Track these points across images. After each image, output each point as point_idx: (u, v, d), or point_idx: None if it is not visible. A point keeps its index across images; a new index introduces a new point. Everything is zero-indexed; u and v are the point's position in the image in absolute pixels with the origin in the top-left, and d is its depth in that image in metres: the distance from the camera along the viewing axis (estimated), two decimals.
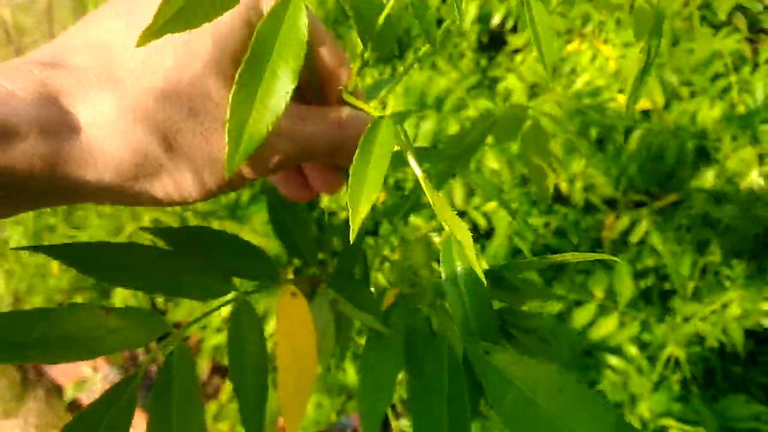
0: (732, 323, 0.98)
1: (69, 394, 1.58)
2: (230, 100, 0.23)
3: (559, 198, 1.35)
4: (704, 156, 1.21)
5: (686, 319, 1.02)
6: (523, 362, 0.23)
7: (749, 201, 1.05)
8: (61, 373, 1.69)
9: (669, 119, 1.23)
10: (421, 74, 1.21)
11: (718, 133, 1.21)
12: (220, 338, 1.17)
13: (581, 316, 0.94)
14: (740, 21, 1.27)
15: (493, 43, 1.57)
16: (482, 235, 1.27)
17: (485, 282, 0.26)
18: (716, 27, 1.24)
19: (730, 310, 0.99)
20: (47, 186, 0.22)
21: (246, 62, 0.23)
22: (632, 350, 0.95)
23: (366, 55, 0.29)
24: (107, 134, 0.23)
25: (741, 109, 1.14)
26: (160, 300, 1.29)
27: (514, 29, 1.44)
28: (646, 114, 1.26)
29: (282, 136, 0.27)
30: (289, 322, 0.34)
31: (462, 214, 1.21)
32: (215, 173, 0.26)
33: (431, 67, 1.37)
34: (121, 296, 1.18)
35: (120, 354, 1.33)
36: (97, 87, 0.23)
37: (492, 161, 1.17)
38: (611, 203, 1.39)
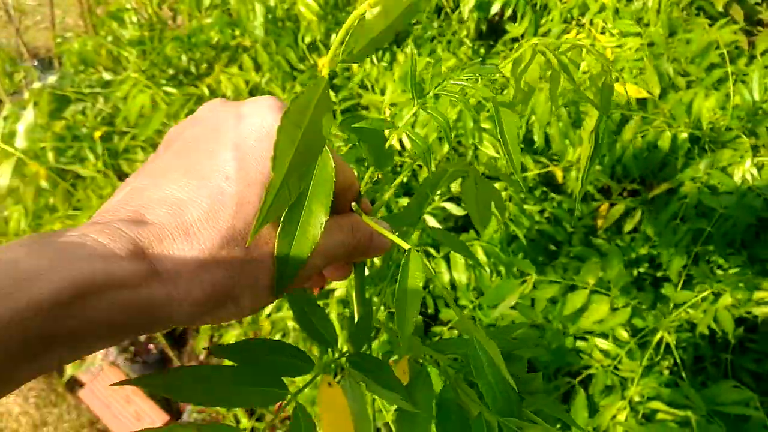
0: (723, 311, 1.00)
1: (68, 372, 1.60)
2: (277, 236, 0.29)
3: (555, 186, 1.37)
4: (699, 146, 1.23)
5: (678, 306, 1.04)
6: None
7: (743, 191, 1.07)
8: None
9: (664, 109, 1.24)
10: (420, 60, 1.22)
11: (713, 124, 1.22)
12: None
13: (574, 302, 0.96)
14: (737, 12, 1.28)
15: (492, 31, 1.58)
16: None
17: (513, 385, 0.32)
18: (713, 18, 1.25)
19: (721, 299, 1.01)
20: (138, 323, 0.27)
21: (289, 205, 0.28)
22: (623, 334, 0.97)
23: (376, 175, 0.37)
24: (187, 278, 0.28)
25: (737, 100, 1.15)
26: None
27: (513, 18, 1.45)
28: (641, 103, 1.27)
29: (312, 255, 0.31)
30: (331, 411, 0.39)
31: (459, 201, 1.23)
32: (266, 295, 0.31)
33: (430, 54, 1.38)
34: None
35: None
36: (175, 240, 0.28)
37: (489, 148, 1.18)
38: (606, 192, 1.41)
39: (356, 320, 0.41)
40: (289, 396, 0.34)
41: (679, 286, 1.04)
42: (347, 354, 0.39)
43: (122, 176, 1.24)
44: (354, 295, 0.41)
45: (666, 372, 1.01)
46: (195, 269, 0.28)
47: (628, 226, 1.26)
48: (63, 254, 0.25)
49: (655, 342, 0.97)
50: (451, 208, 1.19)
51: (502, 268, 1.17)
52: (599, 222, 1.29)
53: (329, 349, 0.41)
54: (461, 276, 1.14)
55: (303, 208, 0.30)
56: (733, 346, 1.07)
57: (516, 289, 0.98)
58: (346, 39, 0.28)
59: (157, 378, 0.31)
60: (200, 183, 0.29)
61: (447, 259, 1.16)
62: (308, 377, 0.37)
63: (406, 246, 0.33)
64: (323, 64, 0.28)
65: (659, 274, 1.20)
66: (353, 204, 0.36)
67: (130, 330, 0.27)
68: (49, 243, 0.25)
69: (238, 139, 0.31)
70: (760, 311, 1.03)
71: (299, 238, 0.30)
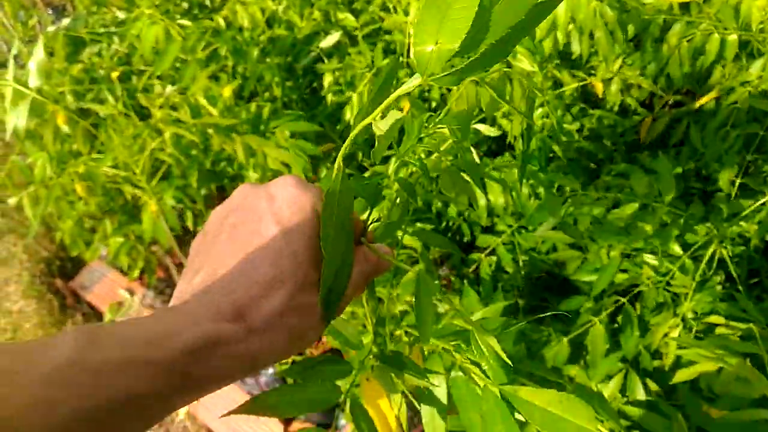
0: None
1: (107, 317, 1.61)
2: (321, 284, 0.37)
3: (594, 101, 1.30)
4: (746, 52, 1.14)
5: (731, 218, 0.98)
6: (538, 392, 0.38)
7: None
8: (98, 298, 1.72)
9: (710, 12, 1.15)
10: None
11: (764, 25, 1.13)
12: None
13: (622, 217, 0.91)
14: None
15: None
16: (511, 145, 1.23)
17: (507, 360, 0.43)
18: None
19: None
20: (244, 369, 0.34)
21: (322, 237, 0.37)
22: (676, 249, 0.92)
23: (370, 217, 0.46)
24: (273, 331, 0.35)
25: None
26: None
27: None
28: (684, 8, 1.18)
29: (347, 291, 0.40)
30: (372, 401, 0.49)
31: (491, 121, 1.17)
32: (323, 328, 0.39)
33: None
34: (148, 217, 1.17)
35: (154, 275, 1.33)
36: (259, 304, 0.35)
37: (524, 64, 1.11)
38: (648, 106, 1.33)
39: (374, 319, 0.51)
40: (343, 395, 0.44)
41: (732, 197, 0.98)
42: (373, 353, 0.49)
43: (143, 114, 1.21)
44: (365, 298, 0.51)
45: (718, 287, 0.97)
46: (277, 323, 0.35)
47: (673, 139, 1.19)
48: (188, 318, 0.32)
49: (708, 256, 0.92)
50: (484, 129, 1.13)
51: (540, 190, 1.12)
52: (642, 137, 1.23)
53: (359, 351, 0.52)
54: (497, 199, 1.09)
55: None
56: None
57: (558, 207, 0.93)
58: None
59: (260, 402, 0.40)
60: (262, 256, 0.36)
61: (482, 181, 1.11)
62: (350, 378, 0.47)
63: (409, 269, 0.43)
64: (338, 162, 0.37)
65: (708, 188, 1.14)
66: (362, 238, 0.44)
67: (238, 374, 0.34)
68: (170, 311, 0.33)
69: (276, 215, 0.38)
70: None
71: (337, 283, 0.38)
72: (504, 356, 0.41)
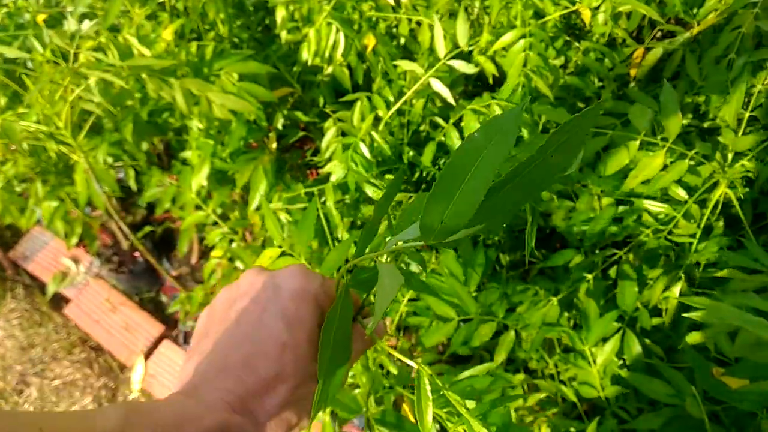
0: None
1: (50, 289, 1.47)
2: (322, 382, 0.38)
3: (578, 33, 1.17)
4: None
5: (737, 157, 0.87)
6: None
7: None
8: (40, 268, 1.58)
9: None
10: None
11: None
12: None
13: (619, 158, 0.79)
14: None
15: None
16: (490, 85, 1.11)
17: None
18: None
19: None
20: None
21: (321, 346, 0.37)
22: (680, 193, 0.82)
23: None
24: (275, 421, 0.39)
25: None
26: None
27: None
28: None
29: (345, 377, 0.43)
30: None
31: (467, 56, 1.04)
32: (318, 411, 0.39)
33: None
34: (81, 177, 1.03)
35: (96, 241, 1.19)
36: (262, 396, 0.38)
37: None
38: (638, 39, 1.21)
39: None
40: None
41: (740, 132, 0.87)
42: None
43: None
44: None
45: (724, 239, 0.87)
46: (278, 413, 0.39)
47: (667, 73, 1.07)
48: (205, 406, 0.35)
49: (714, 199, 0.81)
50: (460, 66, 1.00)
51: (525, 131, 1.00)
52: (633, 71, 1.10)
53: None
54: None
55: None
56: None
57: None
58: None
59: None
60: (265, 351, 0.39)
61: (459, 126, 0.99)
62: None
63: (412, 363, 0.41)
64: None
65: (706, 124, 1.03)
66: (358, 316, 0.45)
67: None
68: (188, 397, 0.36)
69: (282, 307, 0.40)
70: None
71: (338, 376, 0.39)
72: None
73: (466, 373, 0.68)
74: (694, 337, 0.68)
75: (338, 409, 0.54)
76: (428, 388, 0.40)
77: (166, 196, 1.08)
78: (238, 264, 1.01)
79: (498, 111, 0.95)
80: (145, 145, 1.22)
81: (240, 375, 0.37)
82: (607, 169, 0.81)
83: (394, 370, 0.80)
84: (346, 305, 0.38)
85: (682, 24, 1.19)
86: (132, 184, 1.22)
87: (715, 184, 0.85)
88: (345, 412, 0.54)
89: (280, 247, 0.72)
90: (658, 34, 1.20)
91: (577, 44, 1.11)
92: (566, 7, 1.06)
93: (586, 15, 1.02)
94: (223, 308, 0.42)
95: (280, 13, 1.15)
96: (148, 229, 1.28)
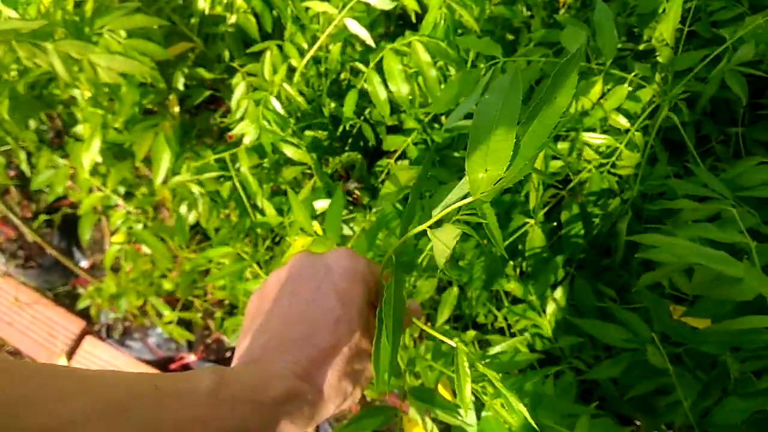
0: (732, 73, 0.78)
1: None
2: (373, 351, 0.41)
3: None
4: None
5: (679, 76, 0.81)
6: None
7: None
8: None
9: None
10: None
11: None
12: None
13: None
14: None
15: None
16: (415, 24, 1.01)
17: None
18: None
19: (726, 59, 0.78)
20: (311, 418, 0.40)
21: (382, 317, 0.39)
22: (620, 121, 0.75)
23: None
24: (332, 391, 0.41)
25: None
26: None
27: None
28: None
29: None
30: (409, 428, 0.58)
31: None
32: (364, 387, 0.45)
33: None
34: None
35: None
36: (321, 367, 0.41)
37: None
38: None
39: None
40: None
41: (679, 50, 0.81)
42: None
43: None
44: None
45: (669, 168, 0.81)
46: (335, 386, 0.41)
47: None
48: (274, 374, 0.38)
49: (657, 125, 0.75)
50: (377, 2, 0.90)
51: (452, 70, 0.91)
52: None
53: None
54: (400, 88, 0.88)
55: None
56: (742, 116, 0.87)
57: (472, 83, 0.72)
58: None
59: None
60: (322, 324, 0.41)
61: (380, 70, 0.89)
62: None
63: (450, 342, 0.44)
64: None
65: (642, 47, 0.96)
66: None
67: (306, 425, 0.39)
68: (258, 365, 0.39)
69: (334, 286, 0.43)
70: None
71: (383, 354, 0.41)
72: (526, 413, 0.43)
73: (496, 349, 0.68)
74: (647, 278, 0.62)
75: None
76: (466, 364, 0.42)
77: (59, 178, 0.95)
78: (146, 249, 0.90)
79: (420, 48, 0.86)
80: (33, 123, 1.08)
81: (301, 346, 0.40)
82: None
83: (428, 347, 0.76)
84: (400, 281, 0.40)
85: None
86: (25, 167, 1.09)
87: (656, 109, 0.78)
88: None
89: (315, 234, 0.74)
90: None
91: None
92: None
93: None
94: (275, 289, 0.44)
95: None
96: (42, 218, 1.15)
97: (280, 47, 0.95)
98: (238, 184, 0.88)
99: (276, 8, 1.02)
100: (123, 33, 0.91)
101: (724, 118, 0.92)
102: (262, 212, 0.87)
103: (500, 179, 0.32)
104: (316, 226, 0.86)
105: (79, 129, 0.97)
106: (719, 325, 0.52)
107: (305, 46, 0.97)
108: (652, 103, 0.79)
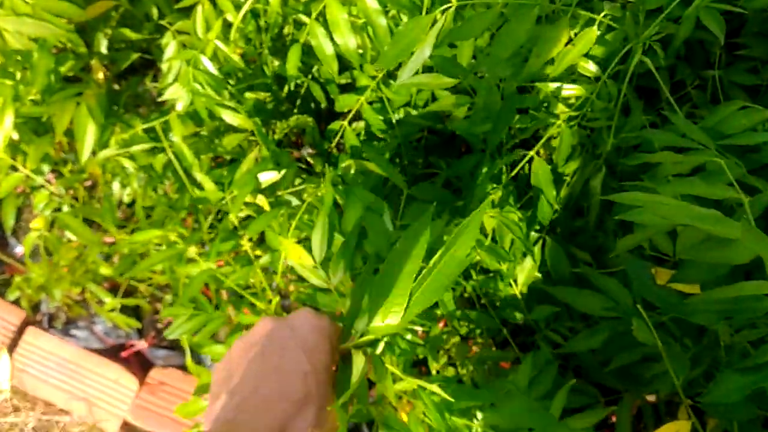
0: (707, 10, 0.71)
1: None
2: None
3: None
4: None
5: (646, 20, 0.74)
6: None
7: None
8: None
9: None
10: None
11: None
12: None
13: (517, 35, 0.64)
14: None
15: None
16: None
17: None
18: None
19: None
20: None
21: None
22: (589, 67, 0.68)
23: None
24: None
25: None
26: None
27: None
28: None
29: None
30: None
31: None
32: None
33: None
34: None
35: None
36: (295, 419, 0.42)
37: None
38: None
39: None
40: None
41: None
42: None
43: None
44: None
45: (644, 118, 0.74)
46: None
47: None
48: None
49: (630, 71, 0.68)
50: None
51: (405, 19, 0.82)
52: None
53: None
54: (347, 40, 0.79)
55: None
56: (719, 57, 0.81)
57: (424, 31, 0.64)
58: None
59: None
60: (293, 378, 0.43)
61: (325, 21, 0.80)
62: None
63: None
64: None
65: None
66: None
67: None
68: (235, 423, 0.41)
69: (301, 342, 0.45)
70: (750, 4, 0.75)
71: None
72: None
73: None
74: (626, 242, 0.56)
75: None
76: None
77: None
78: (70, 235, 0.81)
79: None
80: None
81: (274, 401, 0.42)
82: (504, 49, 0.65)
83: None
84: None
85: None
86: None
87: (628, 54, 0.71)
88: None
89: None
90: None
91: None
92: None
93: None
94: (241, 353, 0.46)
95: None
96: None
97: (213, 1, 0.85)
98: (172, 156, 0.79)
99: None
100: None
101: (700, 60, 0.85)
102: (201, 187, 0.79)
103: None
104: (262, 200, 0.78)
105: None
106: (710, 293, 0.46)
107: None
108: (623, 48, 0.72)
